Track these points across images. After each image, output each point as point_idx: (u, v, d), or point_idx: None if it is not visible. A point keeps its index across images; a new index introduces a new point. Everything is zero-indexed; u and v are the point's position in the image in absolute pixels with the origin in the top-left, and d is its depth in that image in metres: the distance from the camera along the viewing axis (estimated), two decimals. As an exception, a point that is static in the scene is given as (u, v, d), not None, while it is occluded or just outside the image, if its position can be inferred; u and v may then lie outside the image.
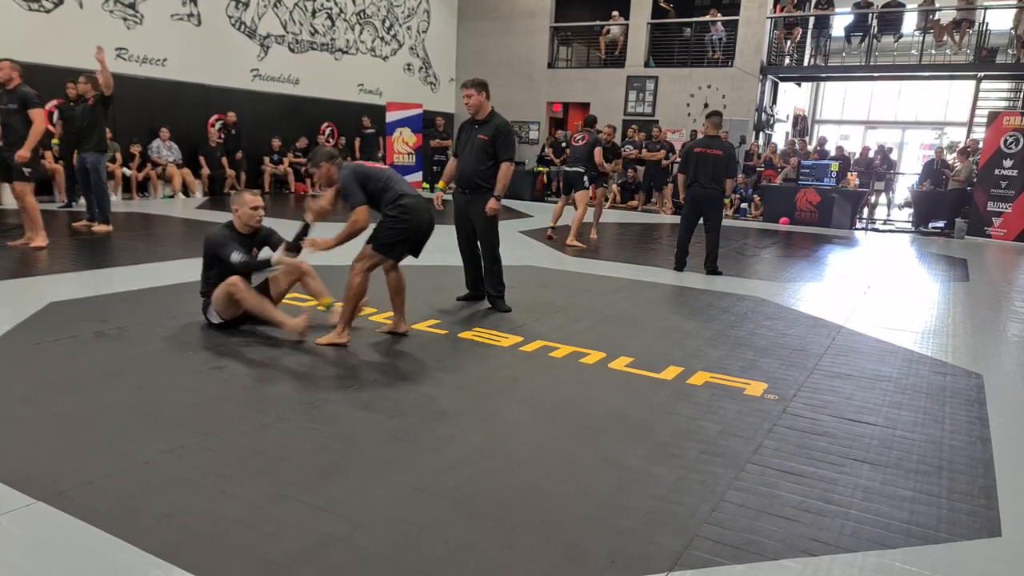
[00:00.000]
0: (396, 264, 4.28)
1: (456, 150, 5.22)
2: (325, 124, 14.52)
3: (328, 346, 4.02)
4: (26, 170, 6.35)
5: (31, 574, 1.93)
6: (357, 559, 2.05)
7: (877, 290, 6.74)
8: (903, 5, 14.32)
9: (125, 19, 10.96)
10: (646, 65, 15.57)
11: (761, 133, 15.07)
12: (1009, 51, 13.82)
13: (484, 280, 5.23)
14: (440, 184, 5.52)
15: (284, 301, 4.58)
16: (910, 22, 14.47)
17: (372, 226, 4.10)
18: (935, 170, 12.75)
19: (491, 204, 4.97)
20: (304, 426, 2.95)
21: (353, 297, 4.05)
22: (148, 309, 4.68)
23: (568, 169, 8.70)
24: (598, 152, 8.42)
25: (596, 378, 3.78)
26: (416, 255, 4.31)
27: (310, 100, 14.08)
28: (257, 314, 4.17)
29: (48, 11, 10.01)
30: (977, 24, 13.53)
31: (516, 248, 8.17)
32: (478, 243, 5.20)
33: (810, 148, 14.10)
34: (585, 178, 8.40)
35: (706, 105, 14.50)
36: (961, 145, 13.24)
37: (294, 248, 4.30)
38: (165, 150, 11.51)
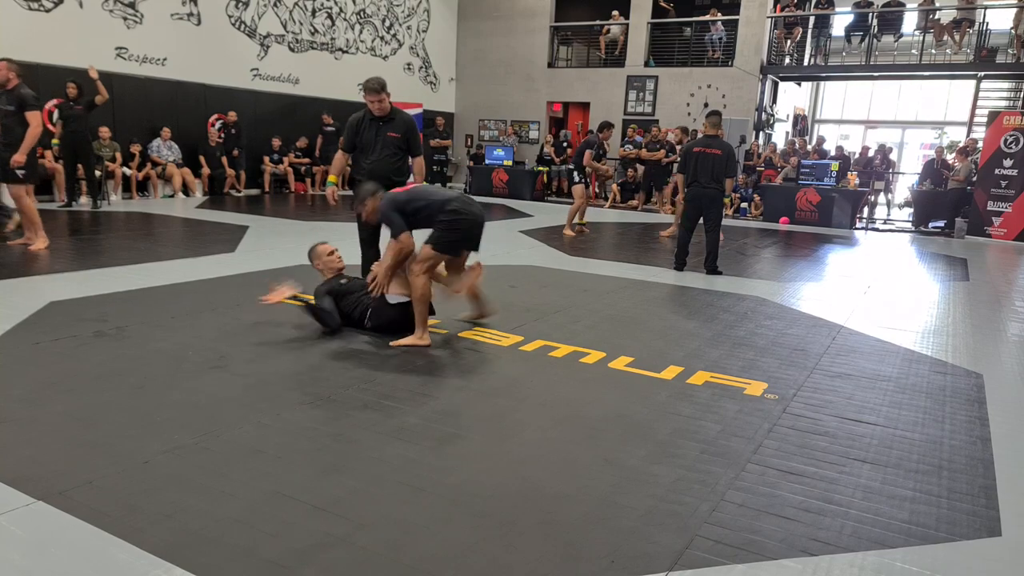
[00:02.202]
0: (461, 265, 4.44)
1: (349, 145, 5.17)
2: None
3: (409, 347, 4.06)
4: (20, 172, 6.20)
5: (31, 574, 1.93)
6: (357, 559, 2.05)
7: (877, 290, 6.74)
8: (903, 5, 14.33)
9: (125, 19, 10.96)
10: (646, 65, 15.57)
11: (761, 133, 15.08)
12: (1009, 51, 13.83)
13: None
14: (333, 179, 5.37)
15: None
16: (910, 22, 14.48)
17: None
18: (935, 170, 12.75)
19: None
20: (304, 426, 2.95)
21: (422, 299, 4.08)
22: (147, 309, 4.68)
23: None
24: (587, 155, 9.38)
25: (596, 378, 3.78)
26: (476, 249, 4.36)
27: (310, 99, 14.08)
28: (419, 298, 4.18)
29: (48, 10, 10.01)
30: (977, 24, 13.54)
31: (517, 248, 8.18)
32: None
33: (809, 148, 14.10)
34: (575, 174, 9.55)
35: (706, 105, 14.51)
36: (961, 144, 13.24)
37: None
38: (165, 149, 11.52)
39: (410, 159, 5.23)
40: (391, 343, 4.07)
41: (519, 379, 3.71)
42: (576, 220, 9.66)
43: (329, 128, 14.03)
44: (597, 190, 15.37)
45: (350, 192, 5.48)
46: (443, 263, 4.31)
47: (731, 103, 14.49)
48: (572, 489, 2.52)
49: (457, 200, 4.14)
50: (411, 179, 5.40)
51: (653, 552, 2.16)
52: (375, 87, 5.03)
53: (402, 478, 2.54)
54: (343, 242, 7.97)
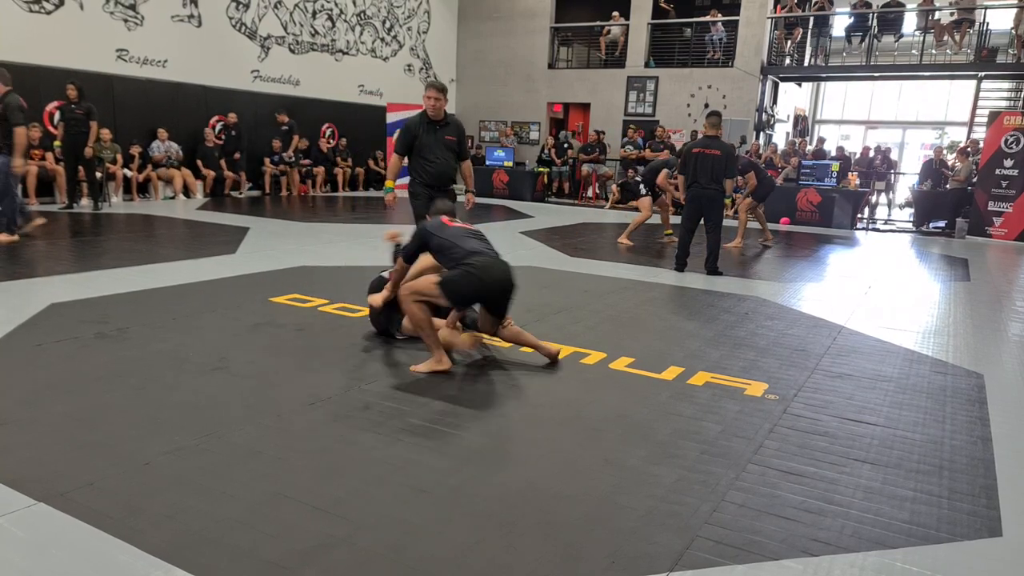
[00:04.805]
0: (497, 324, 3.94)
1: (404, 149, 5.32)
2: (326, 125, 14.53)
3: (427, 373, 3.70)
4: None
5: (32, 575, 1.93)
6: (358, 560, 2.05)
7: (878, 290, 6.74)
8: (903, 5, 14.33)
9: (126, 20, 10.97)
10: (646, 65, 15.57)
11: (761, 133, 15.08)
12: (1009, 51, 13.83)
13: None
14: (390, 183, 5.53)
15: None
16: (910, 22, 14.49)
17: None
18: (934, 169, 12.76)
19: (473, 199, 5.76)
20: (304, 427, 2.96)
21: (420, 324, 3.71)
22: (149, 310, 4.68)
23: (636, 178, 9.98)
24: (663, 174, 8.88)
25: (596, 378, 3.78)
26: (498, 315, 3.89)
27: (311, 101, 14.08)
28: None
29: (49, 12, 10.02)
30: (977, 24, 13.54)
31: (517, 249, 8.18)
32: None
33: (808, 149, 14.10)
34: (642, 187, 9.25)
35: (706, 105, 14.51)
36: (961, 145, 13.24)
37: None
38: (166, 150, 11.52)
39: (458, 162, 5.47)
40: (411, 368, 3.76)
41: (519, 380, 3.71)
42: (665, 231, 9.62)
43: (283, 127, 13.17)
44: (598, 191, 15.40)
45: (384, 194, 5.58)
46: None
47: (731, 104, 14.49)
48: (572, 489, 2.53)
49: (481, 256, 3.74)
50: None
51: (654, 552, 2.16)
52: (440, 85, 5.27)
53: (403, 479, 2.54)
54: (343, 243, 8.00)
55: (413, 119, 5.35)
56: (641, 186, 9.35)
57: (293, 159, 13.39)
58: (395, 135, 15.87)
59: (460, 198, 5.89)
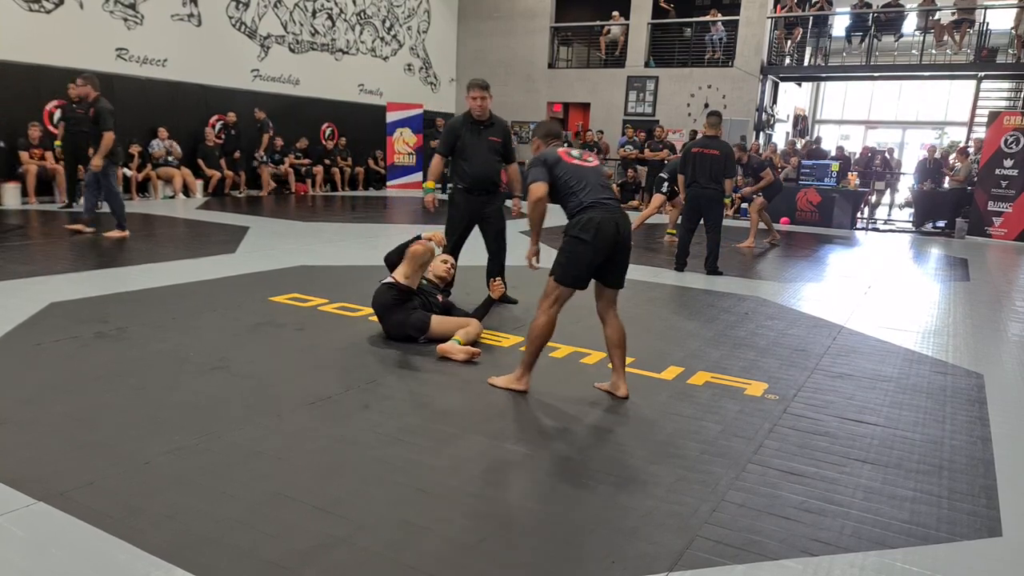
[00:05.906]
0: (611, 309, 3.63)
1: (447, 150, 5.12)
2: (326, 124, 14.52)
3: (501, 388, 3.51)
4: None
5: (32, 575, 1.93)
6: (358, 560, 2.05)
7: (878, 290, 6.74)
8: (902, 6, 14.34)
9: (125, 20, 10.97)
10: (646, 65, 15.58)
11: (761, 133, 15.08)
12: (1009, 51, 13.84)
13: (491, 269, 5.38)
14: (430, 184, 5.28)
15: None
16: (910, 22, 14.50)
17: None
18: (928, 169, 12.78)
19: (521, 205, 5.17)
20: (304, 427, 2.95)
21: (535, 339, 3.45)
22: (149, 310, 4.68)
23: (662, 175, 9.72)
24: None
25: (597, 378, 3.78)
26: (612, 284, 3.60)
27: (310, 100, 14.08)
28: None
29: (49, 11, 10.02)
30: (977, 24, 13.55)
31: (519, 249, 8.17)
32: (488, 239, 5.33)
33: (807, 149, 14.11)
34: (665, 184, 9.35)
35: (706, 105, 14.51)
36: (961, 145, 13.25)
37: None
38: (167, 148, 11.51)
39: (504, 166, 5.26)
40: (489, 380, 3.58)
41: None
42: (668, 231, 9.69)
43: (257, 124, 12.86)
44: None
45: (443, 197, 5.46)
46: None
47: (731, 103, 14.49)
48: (573, 489, 2.53)
49: (593, 210, 3.31)
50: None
51: (654, 552, 2.16)
52: (483, 83, 5.06)
53: (403, 479, 2.54)
54: (343, 242, 7.99)
55: (457, 119, 5.17)
56: (665, 184, 9.26)
57: (264, 158, 12.95)
58: (397, 132, 15.69)
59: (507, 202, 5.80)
